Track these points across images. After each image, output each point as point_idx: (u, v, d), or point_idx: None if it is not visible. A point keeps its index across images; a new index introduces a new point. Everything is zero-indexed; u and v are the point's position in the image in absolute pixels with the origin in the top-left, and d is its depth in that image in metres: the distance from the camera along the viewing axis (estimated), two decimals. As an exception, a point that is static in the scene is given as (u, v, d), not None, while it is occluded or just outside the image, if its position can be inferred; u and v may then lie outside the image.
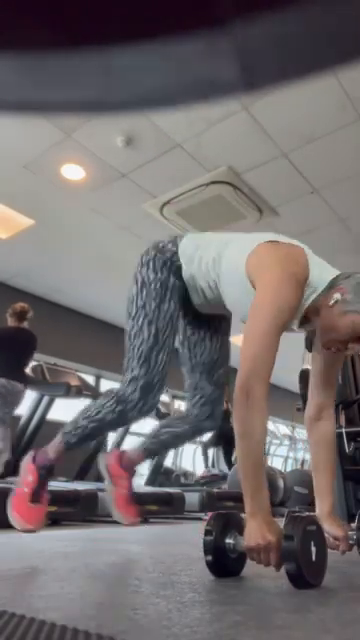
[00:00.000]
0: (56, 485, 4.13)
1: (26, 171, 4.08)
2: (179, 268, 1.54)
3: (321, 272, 1.37)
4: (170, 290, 1.53)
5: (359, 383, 3.72)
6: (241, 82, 0.18)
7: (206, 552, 1.25)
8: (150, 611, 0.86)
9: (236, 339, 1.57)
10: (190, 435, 1.76)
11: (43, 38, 0.17)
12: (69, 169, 4.05)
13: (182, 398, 7.74)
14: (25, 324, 4.40)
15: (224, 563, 1.26)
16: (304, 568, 1.10)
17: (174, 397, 7.78)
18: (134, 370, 1.49)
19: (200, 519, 4.81)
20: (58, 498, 3.73)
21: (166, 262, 1.55)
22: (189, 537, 2.51)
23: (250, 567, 1.30)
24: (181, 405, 7.06)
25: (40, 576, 1.23)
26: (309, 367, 3.22)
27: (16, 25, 0.17)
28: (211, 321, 1.70)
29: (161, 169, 3.98)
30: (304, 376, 3.50)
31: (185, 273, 1.54)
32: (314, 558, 1.13)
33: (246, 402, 1.20)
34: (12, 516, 1.59)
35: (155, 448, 1.79)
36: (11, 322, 4.37)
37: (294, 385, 3.45)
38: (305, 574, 1.10)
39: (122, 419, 1.54)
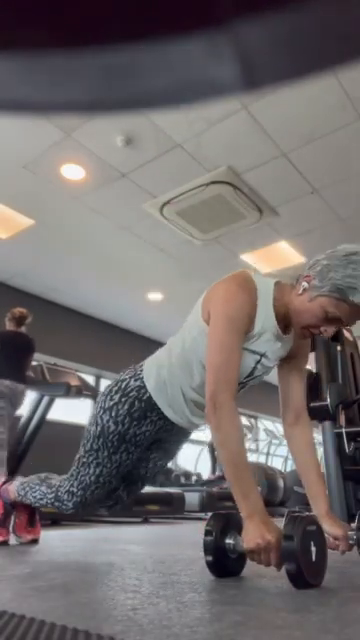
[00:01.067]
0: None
1: (26, 171, 4.08)
2: (149, 399, 1.52)
3: (263, 279, 1.46)
4: (126, 442, 1.54)
5: (359, 383, 3.72)
6: (241, 82, 0.18)
7: (206, 552, 1.25)
8: (150, 611, 0.86)
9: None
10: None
11: (43, 38, 0.17)
12: (69, 169, 4.05)
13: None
14: (23, 329, 4.44)
15: (224, 563, 1.26)
16: (304, 568, 1.10)
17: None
18: (73, 485, 1.62)
19: (200, 519, 4.81)
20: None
21: (132, 405, 1.52)
22: (189, 537, 2.51)
23: (250, 567, 1.30)
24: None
25: (40, 576, 1.23)
26: (309, 367, 3.23)
27: (16, 25, 0.17)
28: (167, 445, 1.72)
29: (161, 169, 3.98)
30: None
31: (157, 397, 1.51)
32: (314, 558, 1.14)
33: (215, 411, 1.26)
34: None
35: None
36: (9, 326, 4.42)
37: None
38: (305, 574, 1.10)
39: (60, 510, 1.69)
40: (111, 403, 1.54)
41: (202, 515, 5.10)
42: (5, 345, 4.30)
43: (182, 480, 6.61)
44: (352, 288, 1.29)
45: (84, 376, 6.05)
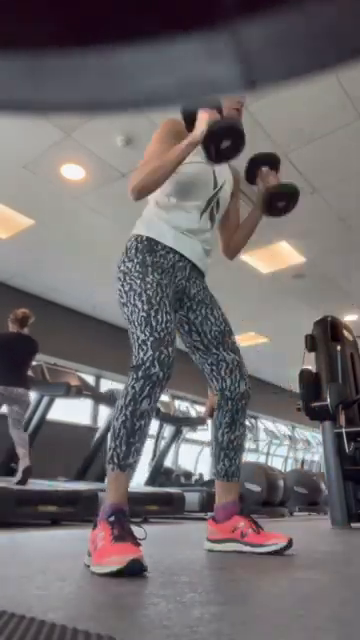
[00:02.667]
0: (56, 485, 4.13)
1: (26, 171, 4.08)
2: (147, 239, 1.69)
3: None
4: (149, 266, 1.63)
5: (359, 383, 3.72)
6: (241, 82, 0.18)
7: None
8: (150, 611, 0.86)
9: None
10: (236, 412, 1.79)
11: (43, 37, 0.17)
12: (69, 169, 4.05)
13: (182, 398, 7.75)
14: (26, 330, 4.41)
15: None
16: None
17: (174, 397, 7.78)
18: (139, 338, 1.50)
19: (200, 519, 4.81)
20: (58, 498, 3.74)
21: (137, 249, 1.67)
22: (189, 537, 2.51)
23: (250, 567, 1.30)
24: (180, 405, 7.06)
25: (40, 576, 1.23)
26: (309, 367, 3.26)
27: (16, 24, 0.17)
28: (203, 298, 1.80)
29: (161, 169, 3.97)
30: (304, 376, 3.50)
31: (148, 230, 1.71)
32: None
33: (136, 185, 1.64)
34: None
35: (231, 461, 1.80)
36: (12, 328, 4.38)
37: (294, 385, 3.46)
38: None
39: (149, 383, 1.46)
40: (121, 260, 1.69)
41: (202, 515, 5.10)
42: (6, 347, 4.27)
43: (182, 480, 6.61)
44: None
45: (84, 376, 6.05)
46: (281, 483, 6.38)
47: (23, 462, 3.99)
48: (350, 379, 3.60)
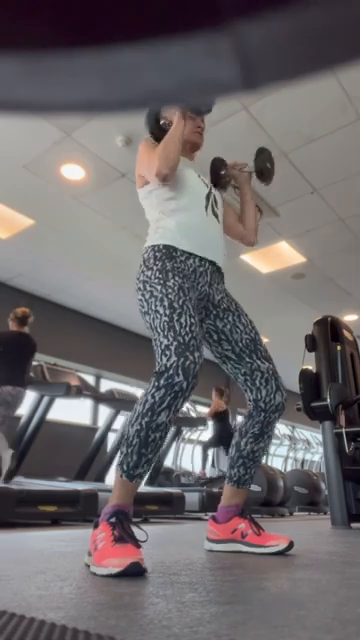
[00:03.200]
0: (56, 485, 4.13)
1: (26, 171, 4.08)
2: (164, 246, 1.67)
3: None
4: (170, 271, 1.59)
5: (359, 383, 3.72)
6: (241, 82, 0.18)
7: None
8: (150, 611, 0.86)
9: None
10: (267, 425, 1.72)
11: (43, 37, 0.17)
12: (69, 169, 4.05)
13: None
14: (26, 329, 4.42)
15: None
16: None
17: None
18: (163, 343, 1.42)
19: (200, 519, 4.81)
20: (58, 498, 3.74)
21: (155, 258, 1.65)
22: (189, 537, 2.51)
23: (250, 567, 1.30)
24: (189, 408, 7.06)
25: (40, 576, 1.23)
26: (309, 367, 3.27)
27: (16, 24, 0.17)
28: (229, 305, 1.75)
29: (161, 169, 3.97)
30: (304, 376, 3.50)
31: (164, 238, 1.70)
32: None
33: (159, 165, 1.65)
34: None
35: (247, 470, 1.75)
36: (12, 326, 4.40)
37: (294, 385, 3.46)
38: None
39: (170, 393, 1.36)
40: (140, 270, 1.66)
41: (202, 515, 5.10)
42: (7, 346, 4.28)
43: (182, 480, 6.61)
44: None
45: (84, 376, 6.05)
46: (281, 483, 6.38)
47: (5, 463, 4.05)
48: (350, 379, 3.60)
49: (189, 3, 0.16)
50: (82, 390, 4.77)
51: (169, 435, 6.53)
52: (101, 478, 5.18)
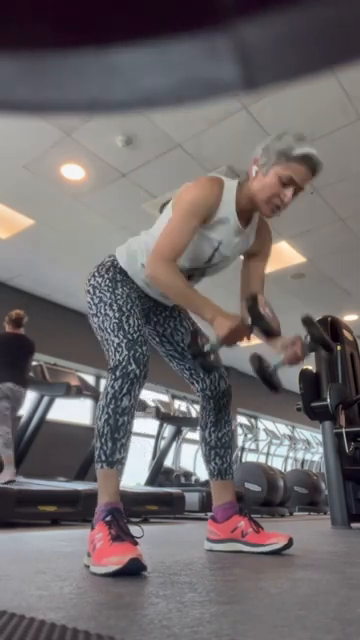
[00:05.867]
0: (56, 485, 4.13)
1: (26, 171, 4.08)
2: (121, 269, 1.70)
3: (231, 180, 1.70)
4: (119, 281, 1.66)
5: (359, 383, 3.72)
6: (241, 82, 0.18)
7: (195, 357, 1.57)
8: (150, 611, 0.86)
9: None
10: (219, 410, 1.84)
11: (43, 37, 0.17)
12: (69, 169, 4.05)
13: (182, 398, 7.74)
14: (22, 330, 4.47)
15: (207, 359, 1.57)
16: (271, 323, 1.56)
17: (174, 397, 7.78)
18: (114, 341, 1.54)
19: (200, 519, 4.81)
20: (58, 498, 3.74)
21: (109, 268, 1.70)
22: (189, 537, 2.51)
23: (250, 567, 1.30)
24: (180, 405, 7.06)
25: (40, 576, 1.23)
26: (309, 367, 3.28)
27: (16, 24, 0.17)
28: (170, 312, 1.85)
29: (161, 169, 3.98)
30: (304, 376, 3.50)
31: (125, 264, 1.71)
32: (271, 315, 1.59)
33: (154, 274, 1.54)
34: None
35: (222, 459, 1.83)
36: (8, 329, 4.45)
37: (294, 385, 3.46)
38: (274, 328, 1.60)
39: (127, 381, 1.49)
40: (91, 274, 1.72)
41: (202, 515, 5.10)
42: (5, 348, 4.32)
43: (182, 480, 6.61)
44: (291, 147, 1.54)
45: (84, 376, 6.05)
46: (281, 483, 6.38)
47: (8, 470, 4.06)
48: (350, 379, 3.60)
49: (189, 3, 0.16)
50: (82, 390, 4.77)
51: (169, 435, 6.50)
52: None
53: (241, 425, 8.49)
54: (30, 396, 4.65)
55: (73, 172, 4.08)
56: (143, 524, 1.53)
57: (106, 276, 1.67)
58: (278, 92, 3.09)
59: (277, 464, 8.61)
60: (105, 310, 1.60)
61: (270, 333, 1.63)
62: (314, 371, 3.53)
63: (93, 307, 1.65)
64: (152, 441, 6.41)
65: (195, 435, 7.56)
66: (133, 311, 1.60)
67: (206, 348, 1.56)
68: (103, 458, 1.46)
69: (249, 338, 1.52)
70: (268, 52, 0.17)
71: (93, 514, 1.44)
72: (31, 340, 4.49)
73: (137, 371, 1.49)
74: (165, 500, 4.56)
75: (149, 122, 3.46)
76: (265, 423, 9.94)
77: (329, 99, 3.27)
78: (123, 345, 1.51)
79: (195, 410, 7.16)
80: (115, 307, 1.59)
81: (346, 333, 3.77)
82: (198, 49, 0.17)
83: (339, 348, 3.55)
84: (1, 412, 4.17)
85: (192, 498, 5.17)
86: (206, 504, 5.19)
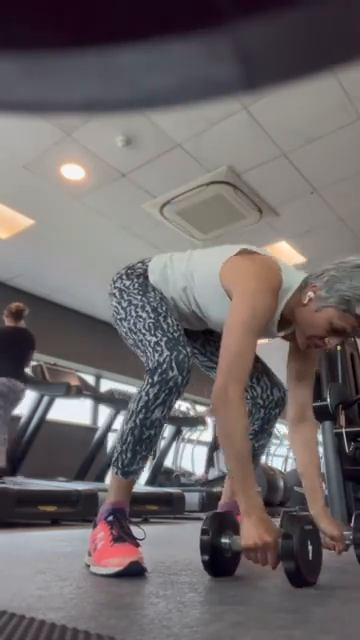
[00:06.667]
0: (56, 485, 4.13)
1: (26, 171, 4.08)
2: (154, 284, 1.56)
3: (293, 275, 1.45)
4: (151, 286, 1.55)
5: (359, 383, 3.72)
6: (241, 82, 0.18)
7: (202, 552, 1.25)
8: (150, 611, 0.86)
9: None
10: (267, 421, 1.73)
11: (43, 37, 0.17)
12: (69, 169, 4.05)
13: (182, 398, 7.74)
14: (22, 323, 4.42)
15: (220, 562, 1.26)
16: (302, 566, 1.10)
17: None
18: (152, 340, 1.40)
19: (200, 519, 4.80)
20: (58, 498, 3.73)
21: (139, 275, 1.58)
22: (189, 537, 2.51)
23: (250, 567, 1.30)
24: (180, 405, 7.05)
25: (40, 576, 1.23)
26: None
27: (16, 24, 0.17)
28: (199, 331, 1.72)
29: (161, 169, 3.98)
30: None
31: (156, 283, 1.56)
32: (311, 556, 1.14)
33: (224, 404, 1.24)
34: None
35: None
36: (8, 322, 4.40)
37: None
38: (303, 572, 1.10)
39: (165, 389, 1.35)
40: (118, 275, 1.62)
41: (202, 515, 5.10)
42: (4, 341, 4.27)
43: (182, 480, 6.61)
44: (358, 300, 1.29)
45: (84, 376, 6.05)
46: (281, 483, 6.38)
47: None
48: (350, 379, 3.59)
49: (189, 3, 0.16)
50: (82, 390, 4.77)
51: (169, 435, 6.50)
52: (101, 478, 5.17)
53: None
54: (30, 396, 4.64)
55: (73, 172, 4.08)
56: (143, 524, 1.53)
57: (136, 280, 1.56)
58: (278, 92, 3.09)
59: (277, 464, 8.61)
60: (137, 312, 1.47)
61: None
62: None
63: (121, 311, 1.53)
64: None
65: (195, 435, 7.56)
66: (169, 312, 1.48)
67: (224, 541, 1.25)
68: (120, 466, 1.41)
69: (274, 566, 1.16)
70: (268, 52, 0.17)
71: (93, 514, 1.44)
72: (32, 334, 4.45)
73: (179, 378, 1.34)
74: (165, 500, 4.56)
75: (149, 122, 3.46)
76: (265, 423, 9.92)
77: (329, 99, 3.26)
78: (163, 344, 1.37)
79: (194, 410, 7.16)
80: (149, 308, 1.47)
81: (346, 333, 3.76)
82: (198, 49, 0.17)
83: (339, 348, 3.55)
84: None
85: (192, 498, 5.16)
86: (206, 504, 5.19)
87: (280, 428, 9.91)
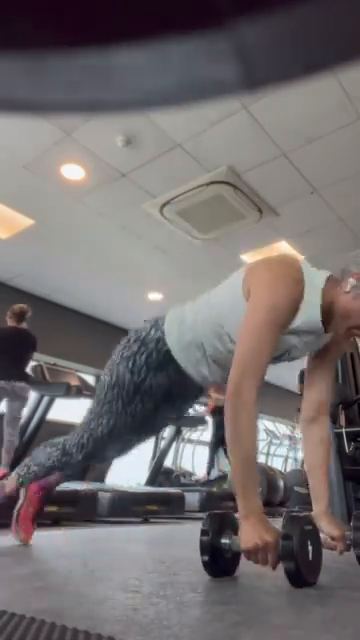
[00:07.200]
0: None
1: (26, 171, 4.08)
2: (167, 352, 1.46)
3: (314, 271, 1.40)
4: (141, 393, 1.50)
5: (359, 383, 3.72)
6: (242, 82, 0.18)
7: (202, 552, 1.25)
8: (150, 611, 0.86)
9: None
10: None
11: (43, 37, 0.17)
12: (69, 169, 4.05)
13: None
14: (24, 324, 4.44)
15: (219, 563, 1.26)
16: (302, 567, 1.10)
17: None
18: (84, 437, 1.59)
19: (200, 519, 4.79)
20: (58, 498, 3.73)
21: (150, 355, 1.47)
22: (189, 537, 2.51)
23: (249, 567, 1.30)
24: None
25: (40, 576, 1.23)
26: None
27: (16, 25, 0.17)
28: (195, 391, 1.66)
29: (161, 169, 3.97)
30: (304, 376, 3.50)
31: (177, 353, 1.45)
32: (311, 557, 1.14)
33: (236, 403, 1.20)
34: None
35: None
36: (10, 323, 4.42)
37: (294, 386, 3.45)
38: (303, 572, 1.10)
39: (67, 468, 1.70)
40: (129, 352, 1.50)
41: (202, 515, 5.10)
42: (5, 342, 4.29)
43: (182, 480, 6.61)
44: None
45: (84, 376, 6.05)
46: (281, 483, 6.38)
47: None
48: (350, 379, 3.59)
49: (189, 3, 0.16)
50: (82, 390, 4.77)
51: (169, 435, 6.48)
52: (101, 478, 5.17)
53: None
54: (30, 396, 4.64)
55: (73, 172, 4.08)
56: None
57: (136, 378, 1.48)
58: (278, 92, 3.09)
59: (277, 464, 8.61)
60: (103, 415, 1.54)
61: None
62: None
63: (102, 394, 1.54)
64: (152, 441, 6.41)
65: (195, 435, 7.56)
66: (119, 435, 1.57)
67: (224, 541, 1.25)
68: (23, 473, 1.87)
69: (274, 566, 1.14)
70: (268, 52, 0.17)
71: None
72: (33, 335, 4.47)
73: (77, 464, 1.68)
74: (165, 500, 4.56)
75: (149, 122, 3.45)
76: (265, 423, 9.93)
77: (329, 99, 3.26)
78: (84, 452, 1.60)
79: (194, 409, 7.15)
80: (111, 423, 1.53)
81: (346, 333, 3.76)
82: (198, 49, 0.17)
83: (339, 348, 3.55)
84: (11, 413, 4.16)
85: (192, 498, 5.16)
86: (206, 504, 5.19)
87: (280, 428, 9.90)
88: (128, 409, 1.50)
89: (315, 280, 1.34)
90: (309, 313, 1.31)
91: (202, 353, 1.44)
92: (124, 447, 1.70)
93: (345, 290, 1.31)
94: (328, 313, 1.34)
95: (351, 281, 1.31)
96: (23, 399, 4.30)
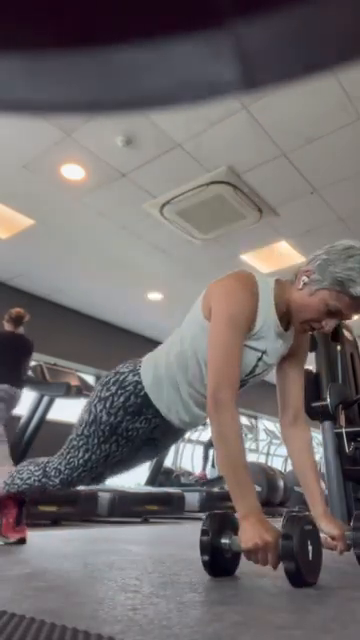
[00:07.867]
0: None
1: (26, 171, 4.08)
2: (145, 396, 1.49)
3: (265, 276, 1.48)
4: (117, 434, 1.53)
5: (359, 383, 3.72)
6: (242, 82, 0.18)
7: (202, 552, 1.25)
8: (150, 611, 0.86)
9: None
10: None
11: (43, 37, 0.17)
12: (69, 169, 4.05)
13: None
14: (21, 329, 4.40)
15: (220, 563, 1.26)
16: (302, 566, 1.10)
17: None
18: (62, 464, 1.63)
19: (200, 519, 4.79)
20: (58, 498, 3.73)
21: (127, 399, 1.50)
22: (189, 537, 2.51)
23: (249, 567, 1.30)
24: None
25: (40, 576, 1.23)
26: (309, 367, 3.21)
27: (16, 24, 0.17)
28: (174, 433, 1.67)
29: (161, 169, 3.97)
30: (304, 376, 3.49)
31: (153, 395, 1.49)
32: (311, 557, 1.14)
33: (216, 410, 1.26)
34: None
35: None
36: (7, 327, 4.38)
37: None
38: (303, 572, 1.11)
39: (46, 489, 1.71)
40: (107, 394, 1.53)
41: (202, 515, 5.10)
42: (3, 347, 4.27)
43: (182, 480, 6.61)
44: (352, 280, 1.31)
45: (84, 376, 6.05)
46: (281, 483, 6.38)
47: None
48: (350, 379, 3.59)
49: (189, 3, 0.16)
50: (82, 390, 4.77)
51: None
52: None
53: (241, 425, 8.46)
54: (30, 396, 4.64)
55: (73, 172, 4.08)
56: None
57: (112, 420, 1.50)
58: (278, 92, 3.09)
59: (277, 464, 8.61)
60: (81, 447, 1.57)
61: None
62: (314, 371, 3.53)
63: (80, 428, 1.58)
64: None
65: (195, 435, 7.56)
66: (94, 468, 1.59)
67: (224, 541, 1.26)
68: (8, 482, 1.85)
69: (275, 566, 1.15)
70: (268, 52, 0.17)
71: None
72: (30, 340, 4.44)
73: (50, 488, 1.69)
74: (165, 500, 4.56)
75: (149, 122, 3.45)
76: (265, 423, 9.92)
77: (329, 99, 3.26)
78: (60, 478, 1.63)
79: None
80: (87, 456, 1.57)
81: (346, 333, 3.77)
82: (198, 49, 0.17)
83: (339, 348, 3.55)
84: None
85: (192, 498, 5.16)
86: (206, 504, 5.19)
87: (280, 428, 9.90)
88: (103, 447, 1.55)
89: (268, 285, 1.44)
90: (265, 314, 1.40)
91: (178, 394, 1.48)
92: (100, 478, 1.72)
93: (298, 287, 1.41)
94: (286, 313, 1.44)
95: (303, 278, 1.40)
96: (15, 403, 4.28)
